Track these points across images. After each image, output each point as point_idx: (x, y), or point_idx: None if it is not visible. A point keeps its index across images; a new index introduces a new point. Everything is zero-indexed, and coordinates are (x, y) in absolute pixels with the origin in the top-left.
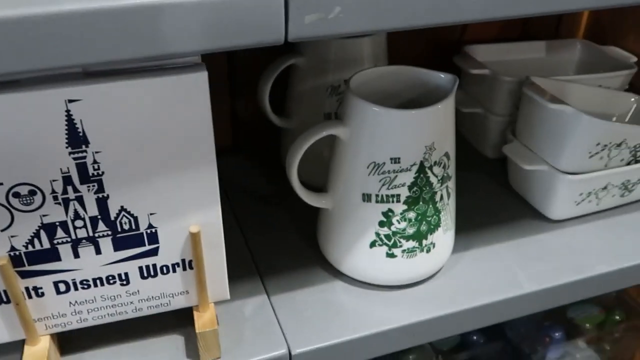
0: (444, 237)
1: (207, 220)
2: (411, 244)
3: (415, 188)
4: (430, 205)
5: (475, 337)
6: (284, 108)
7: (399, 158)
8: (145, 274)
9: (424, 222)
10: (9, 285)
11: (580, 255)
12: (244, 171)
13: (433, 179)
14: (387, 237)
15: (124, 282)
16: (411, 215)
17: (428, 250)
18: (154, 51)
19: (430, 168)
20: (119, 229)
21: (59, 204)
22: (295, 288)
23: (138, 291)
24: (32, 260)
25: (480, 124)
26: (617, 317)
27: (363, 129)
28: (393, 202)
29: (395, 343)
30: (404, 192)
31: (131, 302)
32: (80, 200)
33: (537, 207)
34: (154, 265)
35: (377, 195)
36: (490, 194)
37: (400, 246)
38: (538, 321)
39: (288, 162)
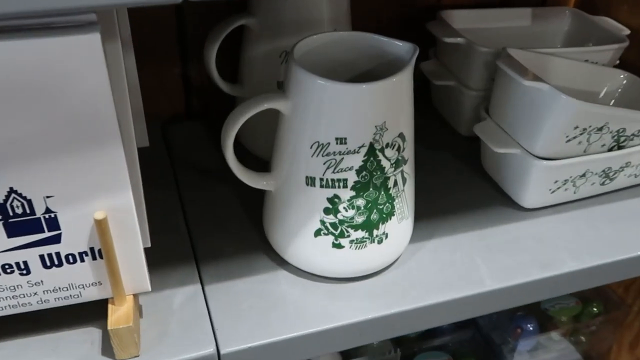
0: (398, 226)
1: (116, 205)
2: (360, 233)
3: (364, 172)
4: (382, 192)
5: (444, 324)
6: (237, 74)
7: (345, 138)
8: (48, 263)
9: (374, 211)
10: None
11: (552, 249)
12: (195, 142)
13: (385, 163)
14: (333, 225)
15: (24, 272)
16: (360, 202)
17: (380, 241)
18: (35, 5)
19: (382, 150)
20: (11, 213)
21: None
22: (235, 277)
23: (42, 282)
24: None
25: (454, 99)
26: (595, 310)
27: (305, 103)
28: (339, 187)
29: (340, 342)
30: (352, 177)
31: (35, 294)
32: None
33: (509, 194)
34: (58, 254)
35: (321, 179)
36: (461, 176)
37: (348, 236)
38: (510, 311)
39: (222, 136)
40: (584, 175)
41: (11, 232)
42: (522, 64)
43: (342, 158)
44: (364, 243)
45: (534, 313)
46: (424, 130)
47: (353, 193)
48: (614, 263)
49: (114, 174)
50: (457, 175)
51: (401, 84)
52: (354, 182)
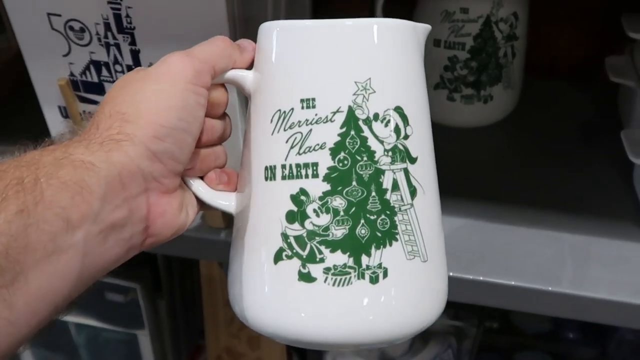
0: (405, 265)
1: None
2: (340, 258)
3: (342, 154)
4: (374, 193)
5: (571, 335)
6: None
7: (313, 100)
8: None
9: (362, 221)
10: (68, 103)
11: None
12: None
13: (374, 145)
14: (299, 240)
15: None
16: (338, 203)
17: (374, 279)
18: None
19: (368, 122)
20: None
21: (102, 45)
22: None
23: None
24: (86, 88)
25: (629, 100)
26: None
27: (265, 62)
28: (307, 176)
29: None
30: (325, 159)
31: None
32: (117, 47)
33: None
34: None
35: (283, 167)
36: (610, 178)
37: (322, 260)
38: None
39: None
40: None
41: None
42: None
43: (311, 130)
44: (347, 276)
45: None
46: (594, 128)
47: (327, 186)
48: None
49: None
50: (606, 176)
51: (395, 34)
52: (328, 168)
